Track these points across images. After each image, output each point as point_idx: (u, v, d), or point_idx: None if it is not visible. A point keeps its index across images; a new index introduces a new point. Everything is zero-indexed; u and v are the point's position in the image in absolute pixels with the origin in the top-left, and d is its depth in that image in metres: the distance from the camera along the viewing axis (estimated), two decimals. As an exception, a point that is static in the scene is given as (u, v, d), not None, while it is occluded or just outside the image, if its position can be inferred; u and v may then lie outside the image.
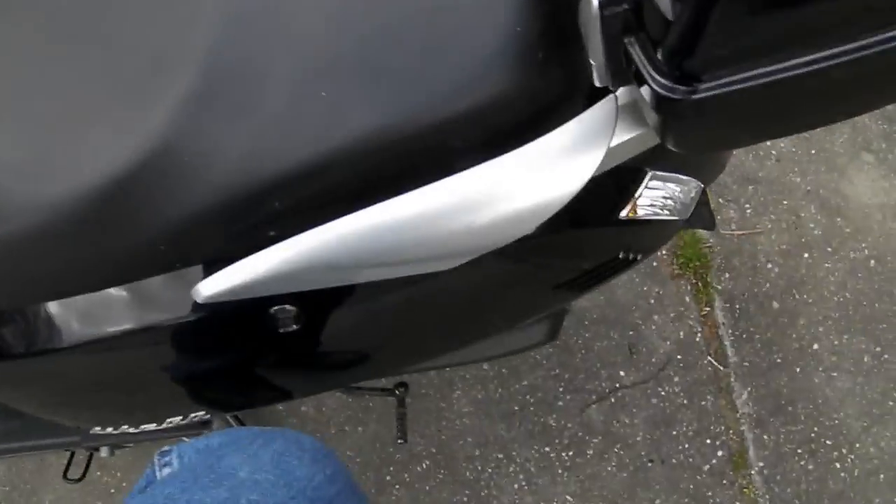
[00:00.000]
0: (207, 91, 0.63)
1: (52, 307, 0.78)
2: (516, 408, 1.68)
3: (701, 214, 1.12)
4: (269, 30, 0.65)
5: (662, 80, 0.52)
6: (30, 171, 0.66)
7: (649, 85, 0.53)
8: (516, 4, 0.64)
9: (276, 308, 0.74)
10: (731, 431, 1.67)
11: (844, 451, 1.65)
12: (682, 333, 1.74)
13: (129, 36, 0.68)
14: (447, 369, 1.68)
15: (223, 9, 0.65)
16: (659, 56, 0.52)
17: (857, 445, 1.65)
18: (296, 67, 0.64)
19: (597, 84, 0.61)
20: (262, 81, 0.64)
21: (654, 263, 1.78)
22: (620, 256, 0.90)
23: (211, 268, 0.69)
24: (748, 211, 1.83)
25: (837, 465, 1.64)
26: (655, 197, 0.86)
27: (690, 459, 1.66)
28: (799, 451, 1.65)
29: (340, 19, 0.64)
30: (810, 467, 1.64)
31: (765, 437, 1.66)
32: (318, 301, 0.75)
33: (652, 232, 0.93)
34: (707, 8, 0.47)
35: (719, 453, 1.66)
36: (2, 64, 0.69)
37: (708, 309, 1.76)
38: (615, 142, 0.67)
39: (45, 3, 0.71)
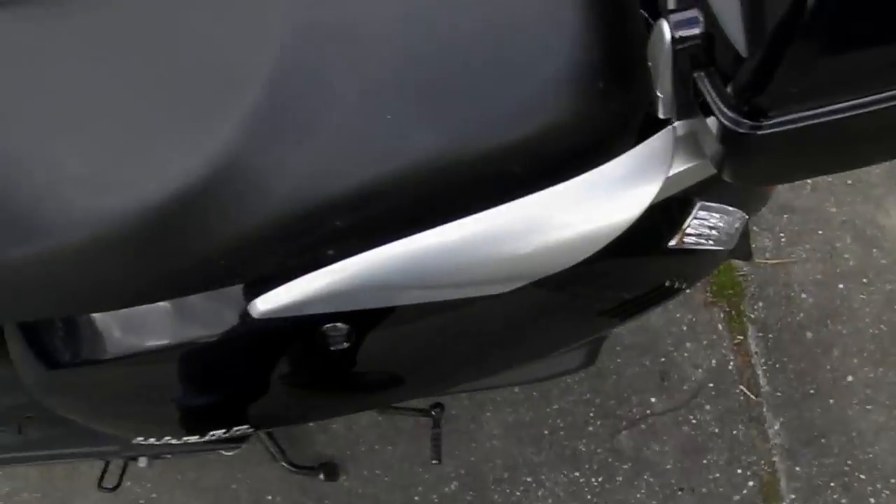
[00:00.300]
0: (273, 109, 0.64)
1: (107, 317, 0.80)
2: (546, 431, 1.68)
3: (740, 245, 1.13)
4: (336, 51, 0.66)
5: (731, 114, 0.53)
6: (95, 182, 0.67)
7: (717, 118, 0.54)
8: (579, 33, 0.65)
9: (328, 326, 0.75)
10: (762, 462, 1.66)
11: (879, 485, 1.63)
12: (714, 361, 1.73)
13: (198, 52, 0.69)
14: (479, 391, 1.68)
15: (291, 28, 0.66)
16: (728, 90, 0.53)
17: (893, 481, 1.63)
18: (361, 89, 0.65)
19: (660, 116, 0.62)
20: (327, 102, 0.65)
21: (688, 290, 1.77)
22: (666, 285, 0.90)
23: (268, 283, 0.70)
24: (783, 240, 1.82)
25: (872, 501, 1.62)
26: (702, 227, 0.87)
27: (721, 489, 1.64)
28: (832, 484, 1.63)
29: (406, 43, 0.65)
30: (843, 501, 1.62)
31: (797, 468, 1.65)
32: (369, 320, 0.76)
33: (697, 261, 0.93)
34: (781, 47, 0.48)
35: (750, 484, 1.64)
36: (72, 76, 0.70)
37: (741, 337, 1.75)
38: (671, 172, 0.67)
39: (116, 18, 0.72)
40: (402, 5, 0.66)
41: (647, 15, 0.73)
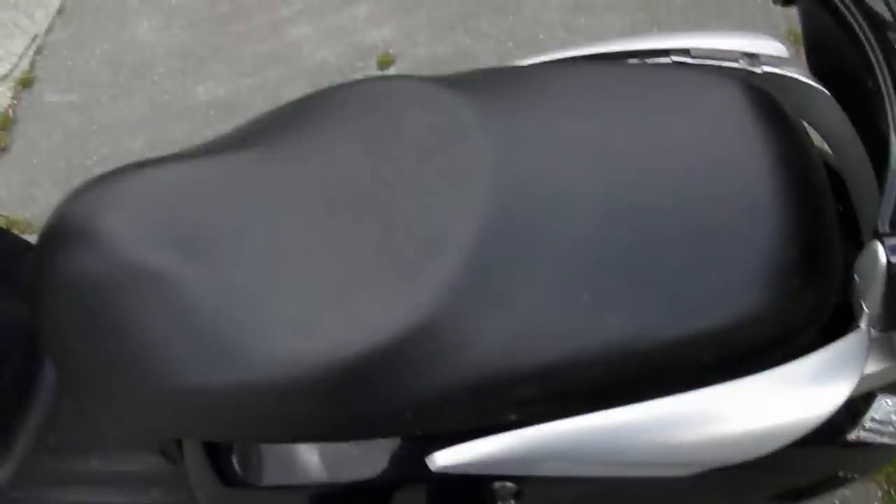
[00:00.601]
0: (474, 278, 0.68)
1: (288, 448, 0.84)
2: None
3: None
4: (539, 227, 0.70)
5: (941, 340, 0.53)
6: (300, 326, 0.72)
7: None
8: (781, 228, 0.66)
9: (498, 484, 0.76)
10: None
11: None
12: (868, 542, 1.61)
13: (407, 215, 0.74)
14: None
15: (499, 202, 0.71)
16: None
17: None
18: (561, 267, 0.68)
19: (862, 326, 0.62)
20: (527, 276, 0.68)
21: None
22: (839, 475, 0.87)
23: (448, 439, 0.73)
24: (950, 419, 1.70)
25: None
26: (881, 421, 0.84)
27: None
28: None
29: (608, 227, 0.69)
30: None
31: None
32: (538, 483, 0.77)
33: (872, 455, 0.90)
34: None
35: None
36: (293, 223, 0.76)
37: (899, 521, 1.63)
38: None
39: (337, 171, 0.78)
40: (607, 187, 0.70)
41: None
